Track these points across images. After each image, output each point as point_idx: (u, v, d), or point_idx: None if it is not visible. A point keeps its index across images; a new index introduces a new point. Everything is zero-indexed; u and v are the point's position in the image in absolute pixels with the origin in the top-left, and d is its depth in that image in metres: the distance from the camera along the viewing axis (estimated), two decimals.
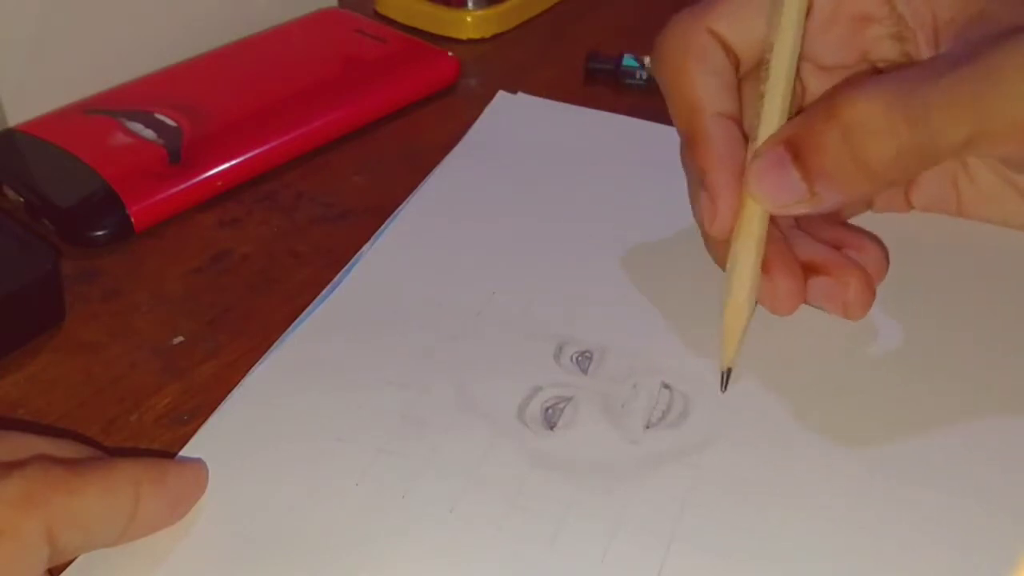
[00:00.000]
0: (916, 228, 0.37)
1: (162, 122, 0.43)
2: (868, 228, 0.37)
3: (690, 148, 0.32)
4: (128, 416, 0.32)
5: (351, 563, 0.27)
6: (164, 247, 0.39)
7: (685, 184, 0.35)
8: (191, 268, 0.38)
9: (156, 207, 0.40)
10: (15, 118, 0.43)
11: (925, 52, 0.33)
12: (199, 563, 0.27)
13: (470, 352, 0.33)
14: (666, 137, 0.35)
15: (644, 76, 0.48)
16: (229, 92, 0.46)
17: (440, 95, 0.48)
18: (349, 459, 0.29)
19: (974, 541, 0.27)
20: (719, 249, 0.33)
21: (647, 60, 0.48)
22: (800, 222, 0.34)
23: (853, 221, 0.37)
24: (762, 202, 0.31)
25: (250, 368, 0.33)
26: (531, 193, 0.40)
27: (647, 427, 0.30)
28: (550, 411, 0.31)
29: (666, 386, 0.32)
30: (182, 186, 0.40)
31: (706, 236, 0.33)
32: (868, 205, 0.37)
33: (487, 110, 0.46)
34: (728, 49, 0.33)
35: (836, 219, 0.35)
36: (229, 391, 0.32)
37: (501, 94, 0.46)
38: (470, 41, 0.53)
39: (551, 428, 0.30)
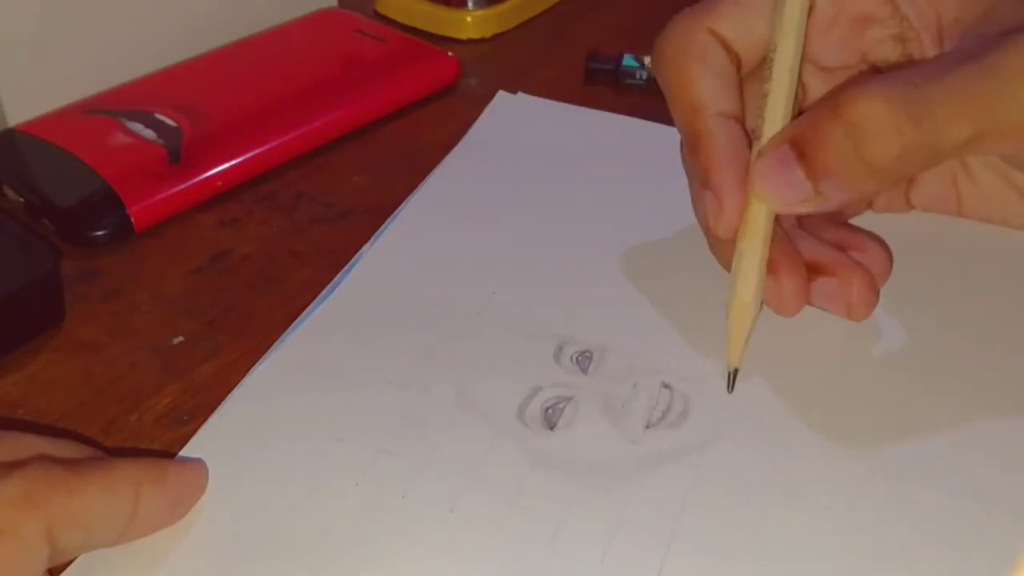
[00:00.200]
0: (916, 228, 0.37)
1: (162, 122, 0.43)
2: (868, 228, 0.37)
3: (693, 149, 0.32)
4: (128, 416, 0.32)
5: (351, 563, 0.27)
6: (164, 247, 0.39)
7: (685, 184, 0.35)
8: (191, 268, 0.38)
9: (156, 207, 0.40)
10: (15, 118, 0.43)
11: (929, 52, 0.33)
12: (199, 563, 0.27)
13: (470, 352, 0.33)
14: (666, 137, 0.35)
15: (644, 76, 0.48)
16: (229, 92, 0.46)
17: (440, 95, 0.48)
18: (349, 459, 0.29)
19: (974, 541, 0.27)
20: (724, 249, 0.33)
21: (647, 60, 0.48)
22: (802, 222, 0.34)
23: (853, 221, 0.37)
24: (767, 201, 0.30)
25: (250, 368, 0.33)
26: (531, 193, 0.40)
27: (647, 427, 0.30)
28: (550, 411, 0.31)
29: (666, 386, 0.32)
30: (182, 186, 0.40)
31: (710, 236, 0.33)
32: (868, 205, 0.37)
33: (487, 110, 0.46)
34: (729, 49, 0.33)
35: (838, 219, 0.35)
36: (229, 391, 0.32)
37: (501, 94, 0.46)
38: (470, 41, 0.53)
39: (551, 428, 0.30)
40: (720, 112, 0.32)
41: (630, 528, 0.27)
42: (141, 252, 0.39)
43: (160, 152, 0.42)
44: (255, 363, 0.33)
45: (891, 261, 0.34)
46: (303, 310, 0.35)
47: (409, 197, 0.40)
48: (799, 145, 0.29)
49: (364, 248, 0.38)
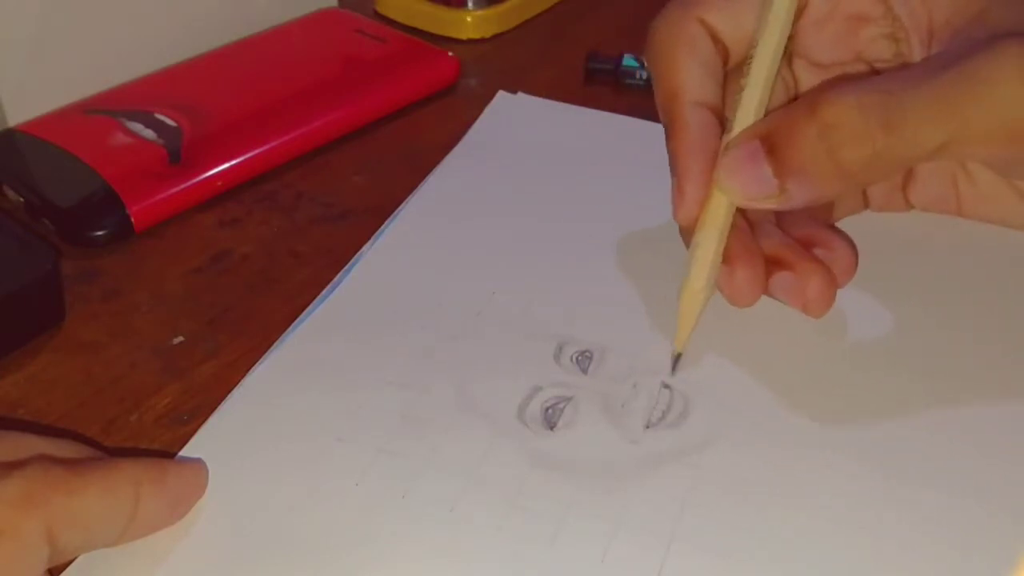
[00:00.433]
0: (916, 228, 0.37)
1: (162, 122, 0.43)
2: (868, 228, 0.37)
3: (667, 135, 0.33)
4: (128, 416, 0.32)
5: (351, 563, 0.27)
6: (164, 247, 0.39)
7: None
8: (191, 268, 0.38)
9: (156, 207, 0.40)
10: (15, 118, 0.43)
11: (918, 54, 0.33)
12: (199, 563, 0.27)
13: (470, 352, 0.33)
14: None
15: (644, 76, 0.48)
16: (229, 92, 0.46)
17: (440, 95, 0.48)
18: (349, 459, 0.29)
19: (974, 541, 0.27)
20: (687, 236, 0.33)
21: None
22: (778, 217, 0.34)
23: (853, 219, 0.37)
24: (730, 194, 0.31)
25: (250, 368, 0.33)
26: (531, 193, 0.40)
27: (647, 427, 0.30)
28: (550, 411, 0.31)
29: (666, 386, 0.32)
30: (182, 186, 0.40)
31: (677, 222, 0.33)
32: (865, 205, 0.37)
33: (487, 110, 0.46)
34: (718, 41, 0.33)
35: (816, 217, 0.35)
36: (229, 391, 0.32)
37: (501, 94, 0.46)
38: (470, 41, 0.53)
39: (551, 428, 0.30)
40: (698, 101, 0.32)
41: (630, 528, 0.28)
42: (141, 252, 0.39)
43: (160, 152, 0.42)
44: (255, 363, 0.33)
45: (855, 263, 0.34)
46: (303, 310, 0.35)
47: (409, 197, 0.40)
48: (769, 141, 0.29)
49: (364, 248, 0.38)
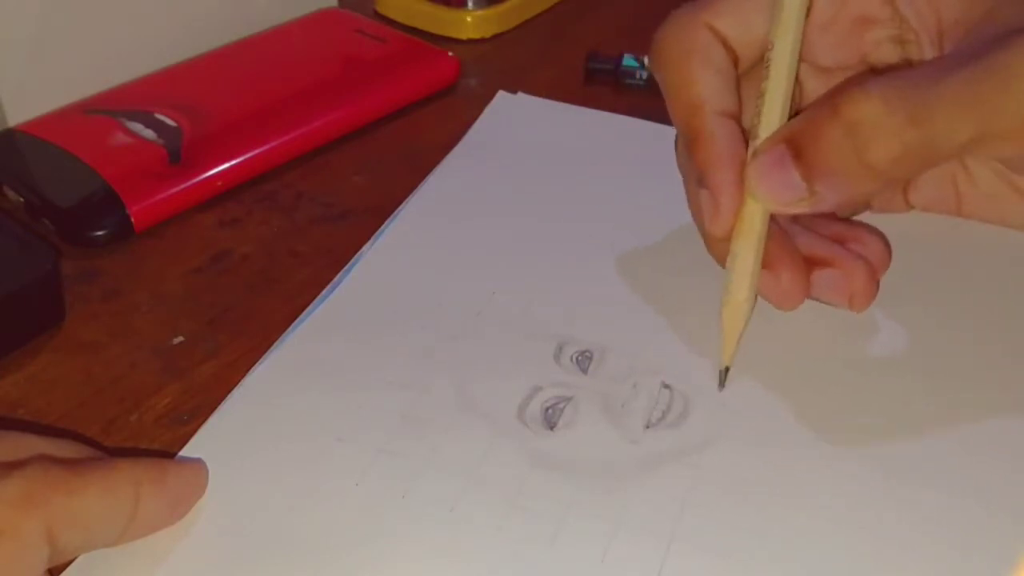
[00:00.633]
0: (916, 228, 0.37)
1: (162, 122, 0.43)
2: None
3: (691, 147, 0.32)
4: (128, 416, 0.32)
5: (351, 563, 0.27)
6: (164, 247, 0.39)
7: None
8: (191, 268, 0.38)
9: (156, 207, 0.40)
10: (15, 118, 0.43)
11: (928, 54, 0.33)
12: (199, 563, 0.27)
13: (470, 352, 0.33)
14: (666, 137, 0.35)
15: (644, 76, 0.48)
16: (229, 92, 0.46)
17: (440, 95, 0.48)
18: (349, 459, 0.29)
19: (974, 541, 0.27)
20: (719, 248, 0.33)
21: (647, 60, 0.48)
22: (799, 219, 0.34)
23: (852, 220, 0.37)
24: (763, 200, 0.31)
25: (250, 368, 0.33)
26: (531, 193, 0.40)
27: (647, 427, 0.30)
28: (550, 411, 0.31)
29: (666, 386, 0.32)
30: (182, 186, 0.40)
31: (706, 235, 0.33)
32: (866, 205, 0.37)
33: (487, 110, 0.46)
34: (727, 46, 0.33)
35: (834, 217, 0.35)
36: (229, 391, 0.32)
37: (501, 94, 0.46)
38: (470, 41, 0.53)
39: (551, 428, 0.30)
40: (719, 111, 0.32)
41: (630, 528, 0.28)
42: (141, 252, 0.39)
43: (160, 152, 0.42)
44: (255, 363, 0.33)
45: (889, 251, 0.34)
46: (303, 310, 0.35)
47: (409, 197, 0.40)
48: (796, 144, 0.29)
49: (364, 248, 0.38)
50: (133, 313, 0.36)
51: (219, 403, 0.31)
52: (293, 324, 0.34)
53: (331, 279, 0.36)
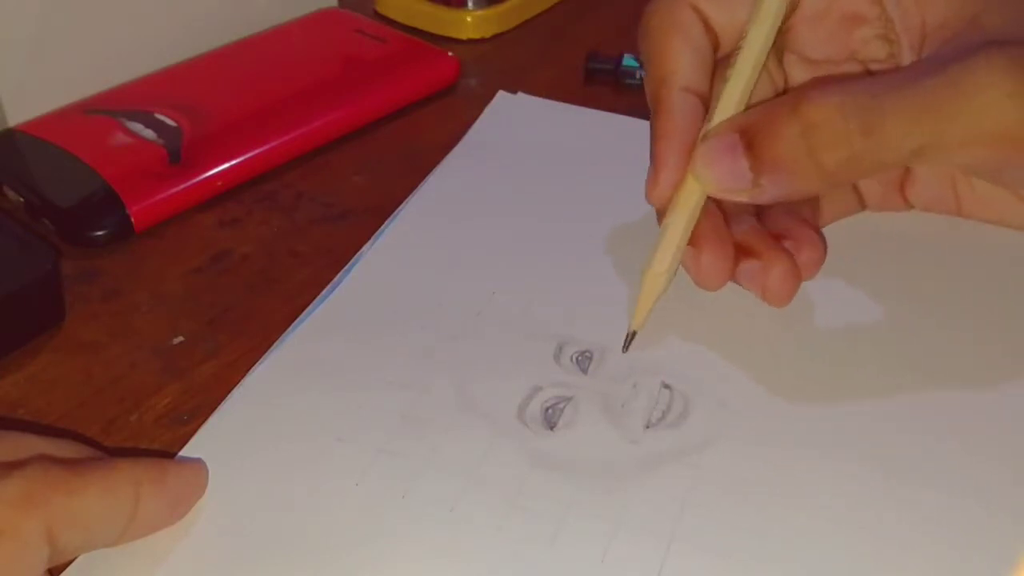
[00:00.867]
0: (916, 228, 0.37)
1: (162, 122, 0.43)
2: (869, 227, 0.37)
3: (651, 117, 0.33)
4: (128, 416, 0.32)
5: (351, 563, 0.27)
6: (164, 247, 0.39)
7: None
8: (191, 268, 0.38)
9: (156, 207, 0.40)
10: (15, 118, 0.43)
11: (907, 58, 0.33)
12: (199, 563, 0.27)
13: (470, 352, 0.33)
14: None
15: (644, 76, 0.48)
16: (229, 92, 0.46)
17: (440, 95, 0.48)
18: (349, 459, 0.29)
19: (974, 541, 0.27)
20: (660, 218, 0.33)
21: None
22: (757, 210, 0.35)
23: (853, 219, 0.37)
24: (704, 183, 0.31)
25: (250, 368, 0.33)
26: (531, 193, 0.40)
27: (647, 427, 0.30)
28: (550, 411, 0.31)
29: (666, 386, 0.32)
30: (182, 186, 0.40)
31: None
32: (863, 205, 0.37)
33: (487, 110, 0.46)
34: (709, 28, 0.33)
35: (795, 213, 0.35)
36: (229, 391, 0.32)
37: (501, 94, 0.46)
38: (470, 41, 0.53)
39: (551, 428, 0.30)
40: (686, 87, 0.32)
41: (630, 528, 0.28)
42: (141, 252, 0.39)
43: (160, 152, 0.42)
44: (255, 363, 0.33)
45: (821, 256, 0.34)
46: (303, 310, 0.35)
47: (409, 197, 0.40)
48: (749, 135, 0.30)
49: (364, 248, 0.38)
50: (133, 313, 0.36)
51: (219, 403, 0.32)
52: (293, 324, 0.34)
53: (331, 279, 0.36)
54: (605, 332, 0.34)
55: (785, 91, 0.36)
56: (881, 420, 0.31)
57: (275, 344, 0.34)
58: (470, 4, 0.53)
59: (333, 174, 0.43)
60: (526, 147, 0.43)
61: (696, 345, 0.33)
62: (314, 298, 0.36)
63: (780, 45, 0.35)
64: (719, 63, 0.34)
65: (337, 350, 0.33)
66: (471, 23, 0.53)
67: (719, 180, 0.31)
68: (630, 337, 0.33)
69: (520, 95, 0.47)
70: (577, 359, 0.33)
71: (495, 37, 0.54)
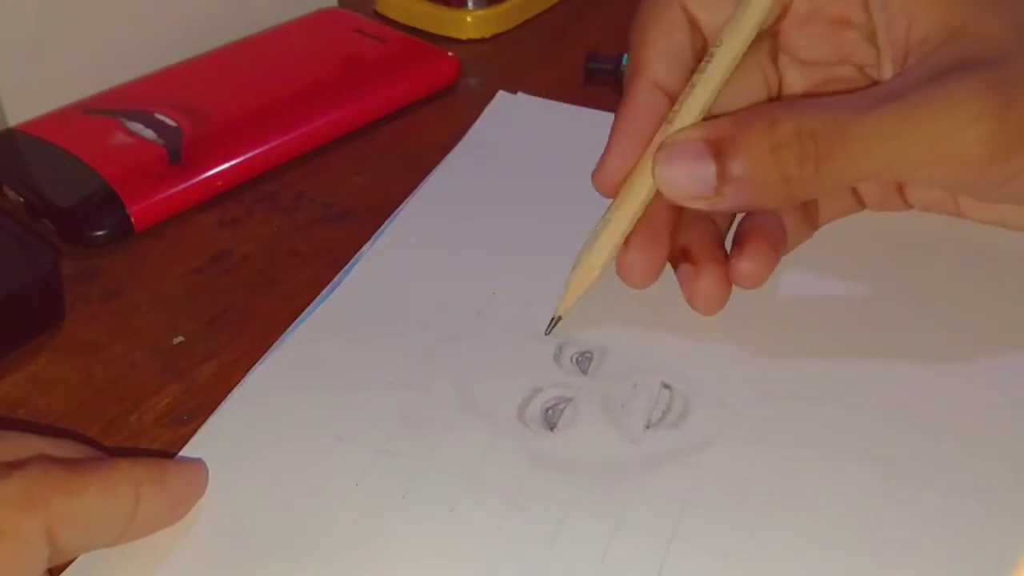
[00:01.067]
0: (915, 227, 0.37)
1: (162, 122, 0.43)
2: (869, 227, 0.37)
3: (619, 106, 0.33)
4: (128, 416, 0.32)
5: (351, 563, 0.27)
6: (164, 247, 0.39)
7: None
8: (191, 268, 0.38)
9: (156, 207, 0.40)
10: (15, 118, 0.43)
11: (888, 70, 0.33)
12: (199, 563, 0.27)
13: (470, 352, 0.33)
14: None
15: None
16: (229, 92, 0.46)
17: (440, 95, 0.48)
18: (349, 459, 0.29)
19: (974, 541, 0.27)
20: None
21: None
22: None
23: (853, 219, 0.37)
24: (665, 187, 0.31)
25: (250, 368, 0.33)
26: (531, 193, 0.40)
27: (647, 427, 0.30)
28: (550, 412, 0.31)
29: (666, 386, 0.32)
30: (182, 186, 0.40)
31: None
32: (862, 205, 0.37)
33: (487, 110, 0.46)
34: (696, 28, 0.33)
35: (773, 225, 0.35)
36: (229, 391, 0.32)
37: (501, 94, 0.46)
38: (470, 41, 0.53)
39: (551, 429, 0.30)
40: (656, 81, 0.33)
41: (630, 528, 0.28)
42: (141, 252, 0.39)
43: (160, 152, 0.42)
44: (255, 363, 0.33)
45: (761, 278, 0.34)
46: (303, 310, 0.35)
47: (409, 197, 0.40)
48: (718, 145, 0.30)
49: (364, 248, 0.38)
50: (133, 313, 0.36)
51: (219, 403, 0.32)
52: (293, 324, 0.34)
53: (331, 279, 0.36)
54: (605, 332, 0.34)
55: (779, 92, 0.36)
56: (881, 420, 0.31)
57: (275, 344, 0.34)
58: (470, 4, 0.53)
59: (333, 174, 0.43)
60: (526, 147, 0.43)
61: (696, 345, 0.33)
62: (314, 298, 0.36)
63: (773, 46, 0.35)
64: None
65: (337, 350, 0.33)
66: (471, 23, 0.53)
67: (681, 185, 0.30)
68: (554, 322, 0.33)
69: (520, 95, 0.47)
70: (577, 359, 0.33)
71: (495, 37, 0.54)
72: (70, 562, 0.26)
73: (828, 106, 0.30)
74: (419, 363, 0.33)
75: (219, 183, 0.41)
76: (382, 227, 0.39)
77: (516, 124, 0.45)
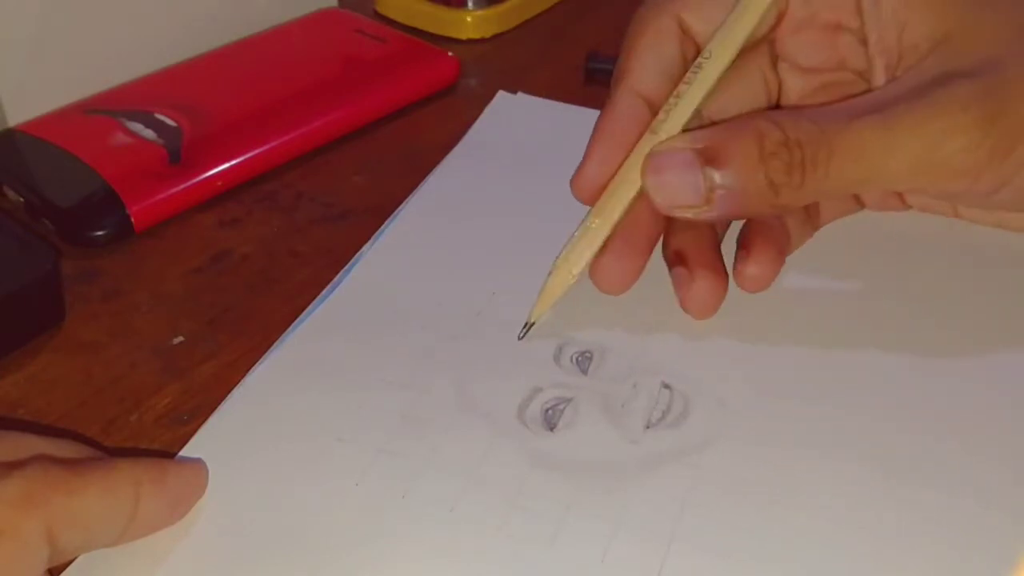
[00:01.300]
0: (914, 228, 0.37)
1: (162, 122, 0.43)
2: (868, 227, 0.37)
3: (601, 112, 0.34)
4: (128, 416, 0.32)
5: (351, 563, 0.27)
6: (164, 247, 0.39)
7: None
8: (191, 268, 0.38)
9: (156, 207, 0.40)
10: (15, 118, 0.43)
11: (880, 78, 0.33)
12: (199, 563, 0.27)
13: (470, 352, 0.33)
14: None
15: None
16: (229, 92, 0.46)
17: (440, 95, 0.48)
18: (349, 459, 0.29)
19: (974, 541, 0.27)
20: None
21: None
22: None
23: (853, 219, 0.37)
24: (653, 195, 0.31)
25: (250, 368, 0.33)
26: (531, 193, 0.40)
27: (647, 427, 0.30)
28: (550, 412, 0.31)
29: (666, 386, 0.32)
30: (182, 186, 0.40)
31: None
32: (861, 205, 0.37)
33: (487, 110, 0.46)
34: (690, 38, 0.34)
35: (773, 231, 0.35)
36: (229, 391, 0.32)
37: (501, 94, 0.46)
38: (470, 41, 0.53)
39: (551, 429, 0.30)
40: (638, 89, 0.33)
41: (630, 528, 0.28)
42: (141, 252, 0.39)
43: (160, 152, 0.42)
44: (255, 363, 0.33)
45: (766, 282, 0.34)
46: (303, 310, 0.35)
47: (409, 197, 0.40)
48: (708, 154, 0.30)
49: (364, 248, 0.38)
50: (133, 313, 0.36)
51: (219, 403, 0.32)
52: (293, 324, 0.34)
53: (331, 279, 0.36)
54: (605, 332, 0.34)
55: (779, 97, 0.36)
56: (881, 420, 0.31)
57: (275, 344, 0.34)
58: (470, 4, 0.53)
59: (333, 174, 0.43)
60: (526, 147, 0.43)
61: (696, 345, 0.33)
62: (314, 298, 0.36)
63: (772, 52, 0.35)
64: None
65: (337, 350, 0.33)
66: (471, 23, 0.53)
67: (671, 194, 0.31)
68: (528, 327, 0.33)
69: (520, 95, 0.47)
70: (577, 359, 0.33)
71: (495, 37, 0.54)
72: (70, 562, 0.26)
73: (815, 116, 0.30)
74: (419, 363, 0.33)
75: (219, 183, 0.41)
76: (382, 227, 0.39)
77: (516, 124, 0.45)
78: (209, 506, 0.28)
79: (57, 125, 0.43)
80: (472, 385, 0.32)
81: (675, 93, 0.32)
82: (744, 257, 0.34)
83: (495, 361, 0.33)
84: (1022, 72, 0.30)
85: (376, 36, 0.50)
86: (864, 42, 0.34)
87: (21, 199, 0.40)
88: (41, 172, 0.41)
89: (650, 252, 0.34)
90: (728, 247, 0.35)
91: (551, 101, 0.46)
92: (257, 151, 0.43)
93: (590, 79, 0.49)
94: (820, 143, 0.29)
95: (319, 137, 0.44)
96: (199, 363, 0.34)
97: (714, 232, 0.35)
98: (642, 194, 0.32)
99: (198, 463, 0.29)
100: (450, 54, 0.49)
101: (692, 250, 0.34)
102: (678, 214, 0.31)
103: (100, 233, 0.39)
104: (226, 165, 0.42)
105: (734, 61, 0.33)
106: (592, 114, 0.45)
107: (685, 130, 0.32)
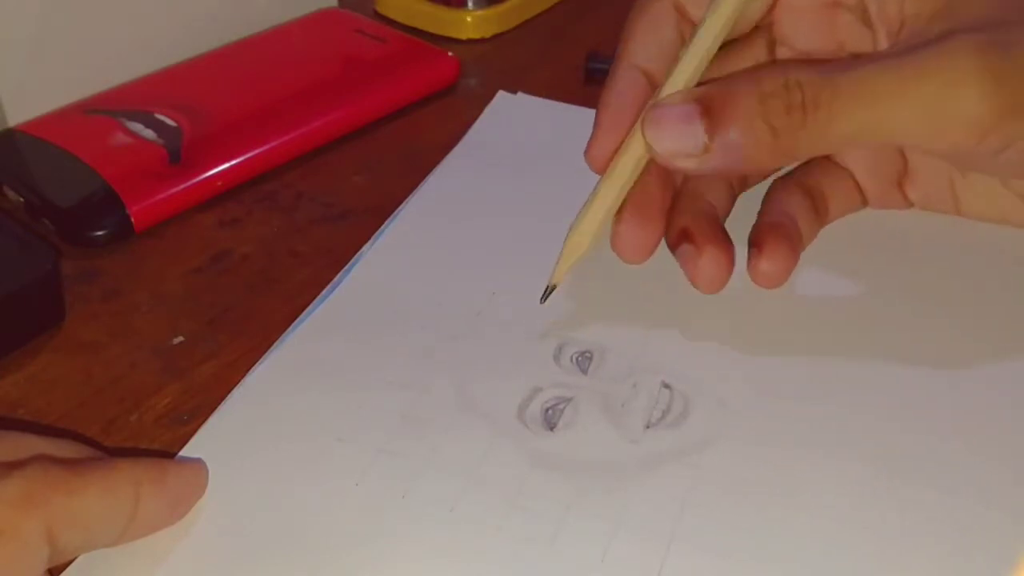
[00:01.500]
0: (915, 226, 0.37)
1: (162, 122, 0.43)
2: (870, 226, 0.37)
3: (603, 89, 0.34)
4: (128, 416, 0.32)
5: (351, 563, 0.27)
6: (164, 247, 0.39)
7: None
8: (191, 268, 0.38)
9: (156, 207, 0.40)
10: (15, 118, 0.43)
11: (882, 46, 0.33)
12: (199, 563, 0.27)
13: (470, 352, 0.33)
14: None
15: None
16: (229, 92, 0.46)
17: (440, 95, 0.48)
18: (349, 459, 0.29)
19: (977, 541, 0.27)
20: None
21: None
22: (767, 201, 0.35)
23: (853, 218, 0.37)
24: (654, 145, 0.31)
25: (250, 368, 0.33)
26: (531, 193, 0.40)
27: (647, 427, 0.30)
28: (550, 412, 0.31)
29: (666, 386, 0.32)
30: (182, 186, 0.40)
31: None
32: (864, 202, 0.37)
33: (487, 110, 0.46)
34: (688, 23, 0.34)
35: (789, 224, 0.35)
36: (229, 391, 0.32)
37: (501, 94, 0.46)
38: (470, 41, 0.53)
39: (551, 429, 0.30)
40: (636, 64, 0.33)
41: (630, 528, 0.28)
42: (141, 252, 0.39)
43: (160, 152, 0.42)
44: (255, 363, 0.33)
45: (781, 278, 0.34)
46: (303, 310, 0.35)
47: (409, 197, 0.40)
48: (706, 102, 0.30)
49: (364, 248, 0.38)
50: (133, 313, 0.36)
51: (219, 403, 0.32)
52: (293, 324, 0.34)
53: (331, 279, 0.36)
54: (605, 332, 0.34)
55: None
56: (882, 420, 0.31)
57: (275, 344, 0.34)
58: (470, 4, 0.53)
59: (333, 174, 0.43)
60: (526, 147, 0.43)
61: (696, 345, 0.33)
62: (314, 298, 0.36)
63: (770, 38, 0.35)
64: None
65: (337, 350, 0.33)
66: (471, 23, 0.53)
67: (671, 144, 0.30)
68: (549, 290, 0.32)
69: (520, 95, 0.47)
70: (577, 359, 0.33)
71: (495, 37, 0.54)
72: (70, 562, 0.26)
73: (818, 64, 0.30)
74: (419, 363, 0.33)
75: (219, 183, 0.41)
76: (382, 227, 0.39)
77: (516, 124, 0.45)
78: (209, 506, 0.28)
79: (57, 125, 0.43)
80: (472, 385, 0.32)
81: (675, 58, 0.32)
82: (757, 254, 0.34)
83: (495, 361, 0.33)
84: None
85: (376, 36, 0.50)
86: (862, 18, 0.34)
87: (21, 199, 0.40)
88: (41, 172, 0.41)
89: (664, 221, 0.34)
90: (739, 251, 0.35)
91: (551, 101, 0.46)
92: (257, 151, 0.43)
93: (590, 79, 0.49)
94: (823, 84, 0.29)
95: (319, 137, 0.44)
96: (199, 363, 0.34)
97: (716, 209, 0.35)
98: (651, 159, 0.32)
99: (198, 463, 0.29)
100: (450, 54, 0.49)
101: (697, 227, 0.33)
102: (680, 164, 0.31)
103: (100, 233, 0.39)
104: (226, 165, 0.42)
105: (732, 24, 0.32)
106: (592, 114, 0.45)
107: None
